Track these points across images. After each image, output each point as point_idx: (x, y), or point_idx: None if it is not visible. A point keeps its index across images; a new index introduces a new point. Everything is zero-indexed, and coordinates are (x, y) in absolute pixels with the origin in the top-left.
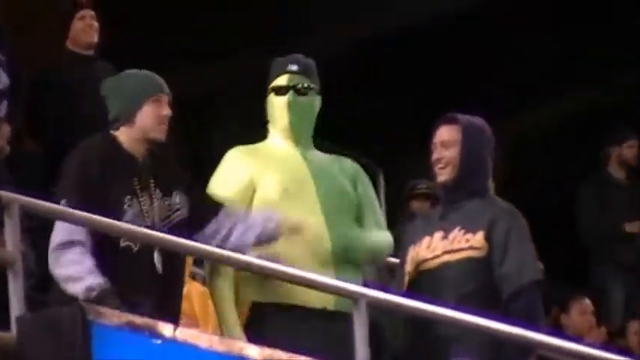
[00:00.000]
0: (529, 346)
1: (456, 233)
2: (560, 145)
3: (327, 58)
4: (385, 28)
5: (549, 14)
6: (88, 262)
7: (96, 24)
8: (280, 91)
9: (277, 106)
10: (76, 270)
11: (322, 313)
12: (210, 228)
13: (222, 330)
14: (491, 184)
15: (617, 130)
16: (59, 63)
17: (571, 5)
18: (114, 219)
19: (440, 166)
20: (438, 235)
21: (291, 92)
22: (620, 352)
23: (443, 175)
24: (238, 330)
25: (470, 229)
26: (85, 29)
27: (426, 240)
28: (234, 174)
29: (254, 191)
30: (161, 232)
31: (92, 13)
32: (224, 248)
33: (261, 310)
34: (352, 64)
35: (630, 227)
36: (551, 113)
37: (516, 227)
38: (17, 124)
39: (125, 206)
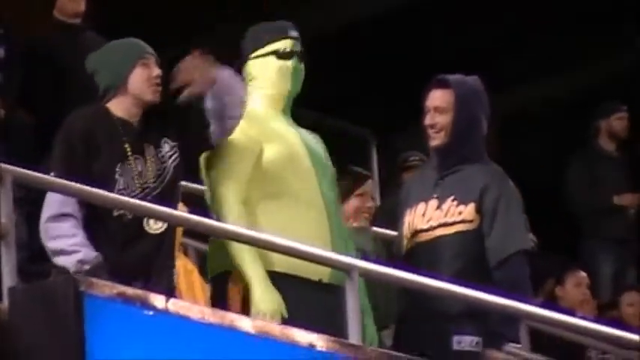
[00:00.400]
0: (517, 317)
1: (450, 204)
2: (552, 123)
3: (323, 34)
4: (378, 6)
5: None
6: (80, 236)
7: None
8: (284, 55)
9: (280, 71)
10: (67, 243)
11: (318, 285)
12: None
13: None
14: (484, 147)
15: (605, 102)
16: (47, 32)
17: None
18: (105, 188)
19: (434, 130)
20: (433, 203)
21: (295, 58)
22: (613, 323)
23: (436, 140)
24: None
25: (462, 200)
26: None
27: (421, 206)
28: (241, 145)
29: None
30: (155, 191)
31: None
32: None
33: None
34: (347, 40)
35: (619, 200)
36: (542, 92)
37: (506, 195)
38: (12, 95)
39: (116, 175)
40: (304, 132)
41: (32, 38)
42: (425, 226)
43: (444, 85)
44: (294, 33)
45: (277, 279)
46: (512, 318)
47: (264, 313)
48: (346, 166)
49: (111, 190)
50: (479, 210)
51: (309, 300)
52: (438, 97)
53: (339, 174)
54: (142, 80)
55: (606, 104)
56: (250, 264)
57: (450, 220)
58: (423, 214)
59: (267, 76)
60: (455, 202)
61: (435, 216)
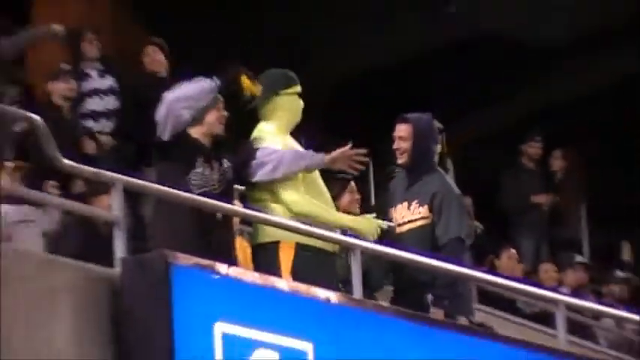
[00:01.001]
0: (470, 280)
1: (415, 206)
2: (494, 148)
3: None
4: (388, 53)
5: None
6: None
7: (159, 57)
8: (301, 96)
9: (299, 107)
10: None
11: (332, 254)
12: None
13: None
14: (436, 162)
15: (526, 133)
16: (142, 82)
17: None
18: (188, 165)
19: (399, 152)
20: (405, 204)
21: None
22: (535, 284)
23: (401, 159)
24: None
25: (422, 203)
26: (152, 62)
27: (399, 206)
28: None
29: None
30: (217, 190)
31: (155, 47)
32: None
33: (302, 249)
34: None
35: (535, 199)
36: (483, 124)
37: (447, 197)
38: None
39: (199, 162)
40: None
41: (131, 86)
42: (400, 221)
43: (405, 121)
44: None
45: (305, 249)
46: (454, 284)
47: (366, 230)
48: (334, 174)
49: (193, 169)
50: (431, 210)
51: (326, 263)
52: (401, 130)
53: (329, 181)
54: (216, 119)
55: (526, 135)
56: (333, 217)
57: (414, 217)
58: (400, 212)
59: (292, 109)
60: (417, 205)
61: (406, 214)
